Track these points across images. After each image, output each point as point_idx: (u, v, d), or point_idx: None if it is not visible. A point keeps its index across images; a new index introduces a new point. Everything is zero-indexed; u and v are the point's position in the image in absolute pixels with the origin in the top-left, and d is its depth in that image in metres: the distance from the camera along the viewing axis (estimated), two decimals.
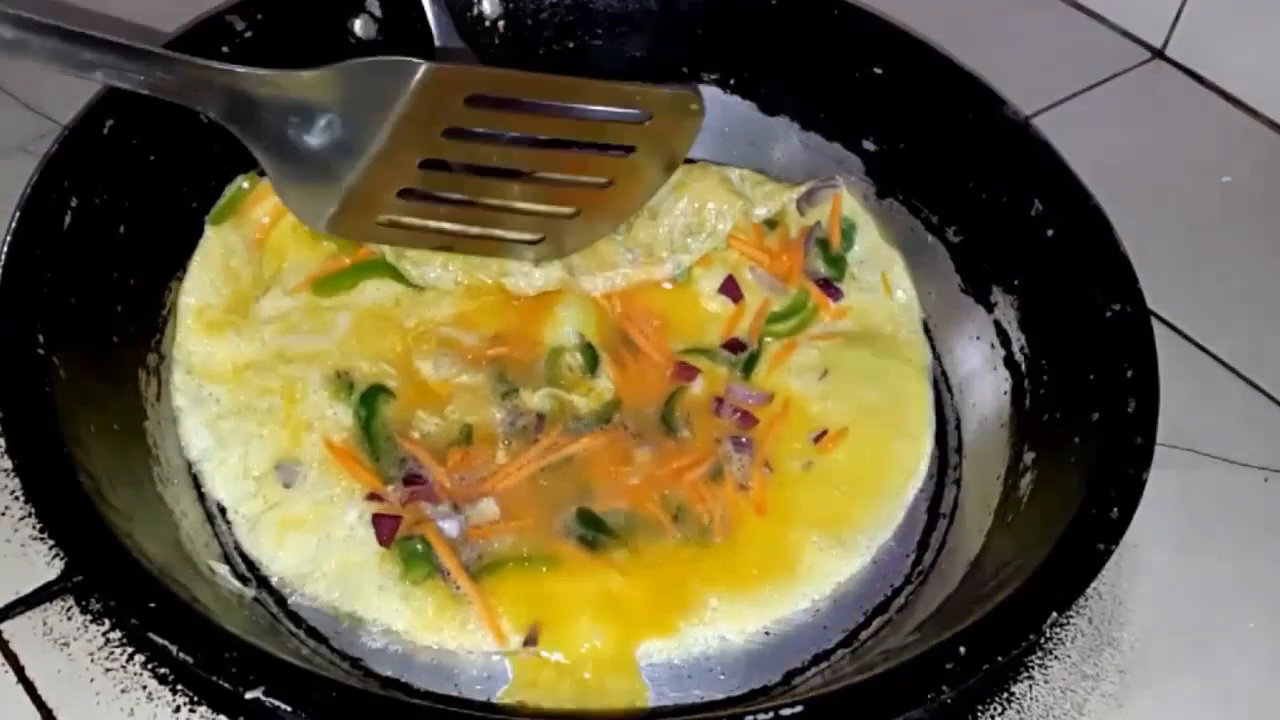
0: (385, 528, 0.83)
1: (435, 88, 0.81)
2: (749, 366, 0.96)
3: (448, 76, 0.82)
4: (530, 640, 0.80)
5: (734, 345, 0.97)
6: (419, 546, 0.82)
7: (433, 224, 0.90)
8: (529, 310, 0.96)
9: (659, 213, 0.99)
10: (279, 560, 0.82)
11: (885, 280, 1.00)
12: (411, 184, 0.86)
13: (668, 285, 0.99)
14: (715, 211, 0.99)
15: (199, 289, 0.92)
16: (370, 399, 0.89)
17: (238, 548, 0.83)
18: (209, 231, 0.93)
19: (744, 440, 0.90)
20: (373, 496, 0.84)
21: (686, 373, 0.94)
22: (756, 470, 0.89)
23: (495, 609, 0.80)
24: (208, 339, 0.90)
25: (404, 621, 0.80)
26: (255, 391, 0.89)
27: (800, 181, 1.02)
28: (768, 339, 0.97)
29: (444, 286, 0.95)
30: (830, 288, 0.99)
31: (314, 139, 0.84)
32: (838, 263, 1.00)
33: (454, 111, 0.82)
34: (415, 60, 0.81)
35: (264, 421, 0.87)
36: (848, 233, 1.02)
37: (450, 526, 0.83)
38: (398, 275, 0.95)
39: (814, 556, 0.85)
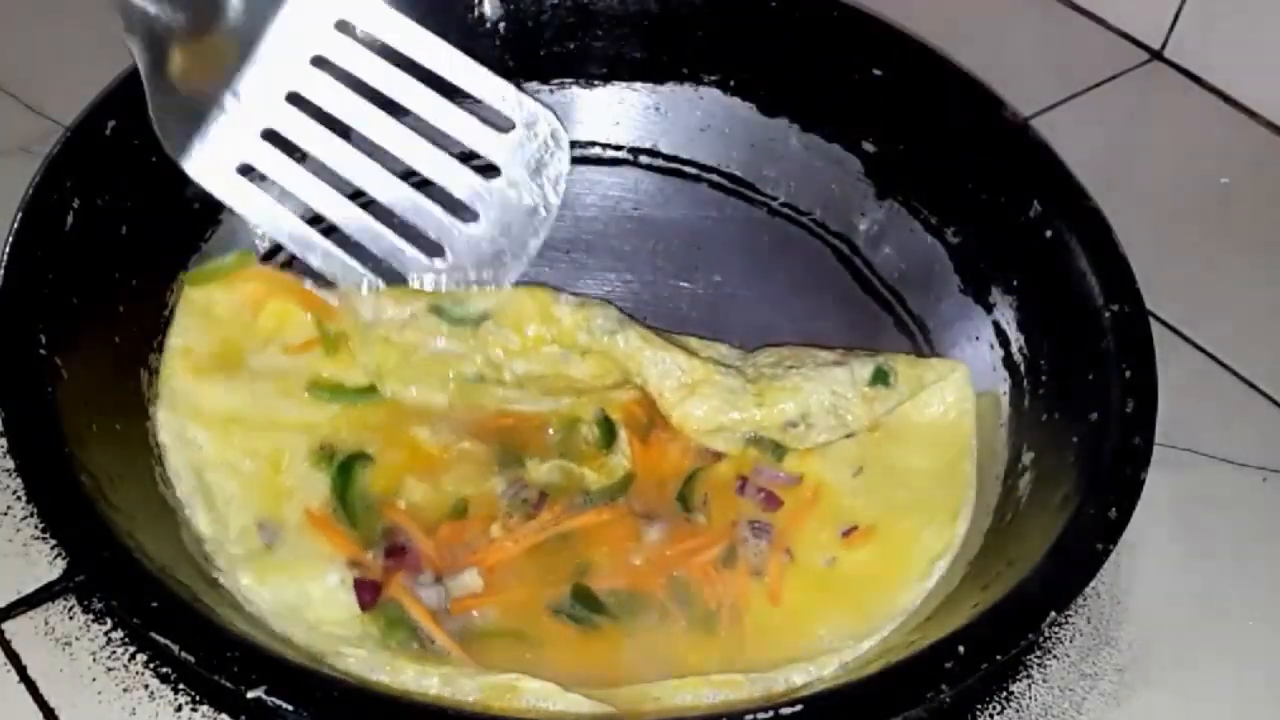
0: (366, 593, 0.80)
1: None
2: (780, 449, 0.90)
3: None
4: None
5: None
6: (400, 611, 0.79)
7: (292, 184, 0.87)
8: None
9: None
10: (259, 594, 0.79)
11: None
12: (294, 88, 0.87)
13: None
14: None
15: (183, 332, 0.88)
16: (348, 468, 0.85)
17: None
18: (187, 289, 0.90)
19: (762, 524, 0.86)
20: (354, 563, 0.81)
21: (713, 451, 0.89)
22: (775, 556, 0.84)
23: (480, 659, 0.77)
24: (193, 380, 0.87)
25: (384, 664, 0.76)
26: (241, 451, 0.85)
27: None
28: None
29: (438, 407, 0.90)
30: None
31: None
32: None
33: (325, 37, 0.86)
34: None
35: (246, 484, 0.84)
36: None
37: (430, 596, 0.80)
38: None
39: (824, 646, 0.81)
